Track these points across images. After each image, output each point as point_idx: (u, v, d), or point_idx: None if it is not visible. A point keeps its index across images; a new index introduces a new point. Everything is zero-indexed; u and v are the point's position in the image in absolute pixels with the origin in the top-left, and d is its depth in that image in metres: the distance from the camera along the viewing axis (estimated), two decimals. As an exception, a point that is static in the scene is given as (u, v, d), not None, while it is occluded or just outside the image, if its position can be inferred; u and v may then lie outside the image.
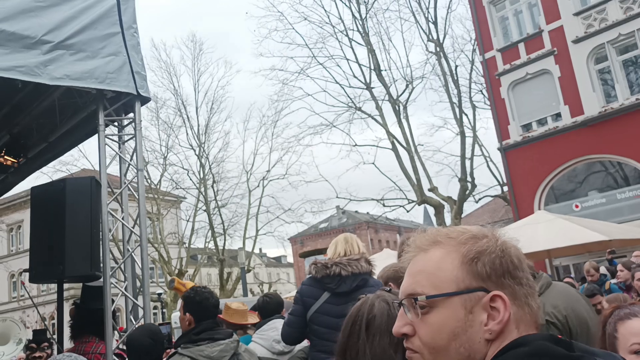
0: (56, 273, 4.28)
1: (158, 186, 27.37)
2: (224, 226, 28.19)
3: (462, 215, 21.07)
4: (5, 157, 6.22)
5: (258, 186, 28.71)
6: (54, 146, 6.15)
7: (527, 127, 18.18)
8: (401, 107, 21.56)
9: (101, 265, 4.52)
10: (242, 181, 29.18)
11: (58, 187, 4.44)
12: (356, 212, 51.90)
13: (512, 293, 1.07)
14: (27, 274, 4.41)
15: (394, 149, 21.32)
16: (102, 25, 4.75)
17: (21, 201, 36.30)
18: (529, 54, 17.97)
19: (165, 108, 28.27)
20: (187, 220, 28.87)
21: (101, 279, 4.52)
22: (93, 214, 4.39)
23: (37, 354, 5.12)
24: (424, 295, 1.09)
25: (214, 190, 28.22)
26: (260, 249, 51.78)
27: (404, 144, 21.17)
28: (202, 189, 27.95)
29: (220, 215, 28.09)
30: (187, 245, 28.49)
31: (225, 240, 28.17)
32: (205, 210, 27.78)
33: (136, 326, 4.74)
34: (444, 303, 1.07)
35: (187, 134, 28.28)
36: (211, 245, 28.45)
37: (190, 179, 28.21)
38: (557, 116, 17.42)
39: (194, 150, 28.01)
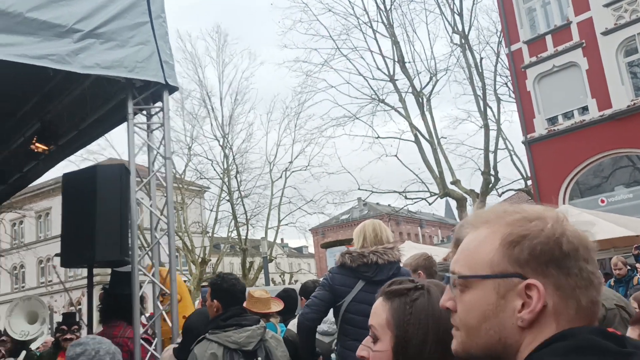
0: (86, 258, 4.38)
1: (183, 176, 27.63)
2: (246, 216, 28.39)
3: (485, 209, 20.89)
4: (37, 144, 6.36)
5: (280, 177, 28.84)
6: (84, 134, 6.25)
7: (552, 120, 17.93)
8: (425, 100, 21.41)
9: (129, 251, 4.60)
10: (265, 172, 29.33)
11: (89, 173, 4.53)
12: (377, 204, 51.76)
13: (554, 283, 1.01)
14: (58, 259, 4.51)
15: (417, 142, 21.20)
16: (132, 15, 4.80)
17: (49, 189, 36.97)
18: (556, 46, 17.69)
19: (190, 99, 28.47)
20: (211, 210, 29.15)
21: (129, 265, 4.61)
22: (122, 201, 4.47)
23: (67, 336, 5.27)
24: (457, 275, 1.10)
25: (237, 180, 28.43)
26: (282, 239, 52.02)
27: (427, 136, 21.04)
28: (226, 179, 28.16)
29: (243, 205, 28.30)
30: (210, 234, 28.76)
31: (247, 230, 28.37)
32: (228, 200, 28.01)
33: (162, 310, 4.83)
34: (477, 284, 1.06)
35: (211, 124, 28.50)
36: (234, 234, 28.70)
37: (214, 169, 28.46)
38: (584, 109, 17.14)
39: (218, 141, 28.21)
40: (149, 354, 4.54)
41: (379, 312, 1.45)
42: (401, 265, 3.76)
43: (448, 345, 1.14)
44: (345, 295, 3.66)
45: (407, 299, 1.41)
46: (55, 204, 39.39)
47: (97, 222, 4.28)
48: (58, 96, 6.18)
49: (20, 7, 4.09)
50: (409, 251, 4.73)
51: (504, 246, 1.05)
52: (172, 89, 5.11)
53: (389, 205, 36.61)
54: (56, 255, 4.46)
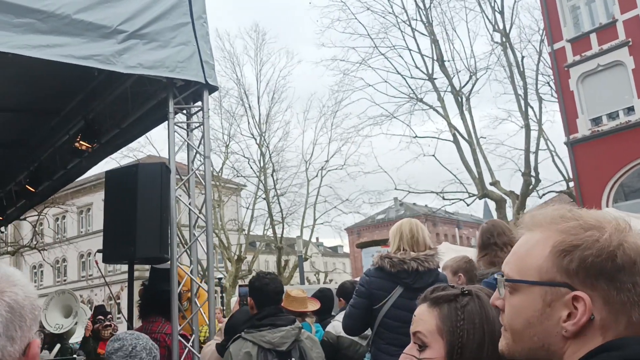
0: (127, 254, 4.46)
1: (220, 174, 27.95)
2: (282, 214, 28.57)
3: (525, 211, 20.49)
4: (81, 142, 6.52)
5: (316, 176, 28.91)
6: (125, 132, 6.38)
7: (596, 121, 17.46)
8: (464, 99, 21.14)
9: (168, 248, 4.67)
10: (301, 170, 29.45)
11: (131, 171, 4.62)
12: (414, 204, 51.34)
13: (603, 297, 0.98)
14: (100, 254, 4.61)
15: (456, 141, 20.94)
16: (173, 16, 4.88)
17: (91, 185, 37.92)
18: (601, 45, 17.22)
19: (228, 97, 28.79)
20: (247, 208, 29.44)
21: (168, 262, 4.68)
22: (163, 199, 4.54)
23: (106, 323, 5.59)
24: (505, 278, 1.10)
25: (273, 179, 28.60)
26: (317, 238, 52.15)
27: (465, 136, 20.77)
28: (262, 178, 28.37)
29: (279, 203, 28.48)
30: (246, 232, 29.03)
31: (283, 228, 28.55)
32: (264, 199, 28.22)
33: (200, 307, 4.90)
34: (525, 289, 1.06)
35: (248, 123, 28.74)
36: (270, 232, 28.90)
37: (251, 167, 28.72)
38: (630, 110, 16.63)
39: (255, 139, 28.46)
40: (187, 350, 4.60)
41: (426, 318, 1.43)
42: (440, 269, 3.72)
43: None
44: (382, 299, 3.63)
45: (457, 305, 1.40)
46: (96, 199, 40.39)
47: (137, 219, 4.36)
48: (101, 95, 6.32)
49: (68, 9, 4.20)
50: (446, 252, 4.68)
51: (555, 254, 1.03)
52: (212, 89, 5.17)
53: (425, 205, 36.29)
54: (98, 251, 4.56)
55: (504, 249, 3.67)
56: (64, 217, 40.38)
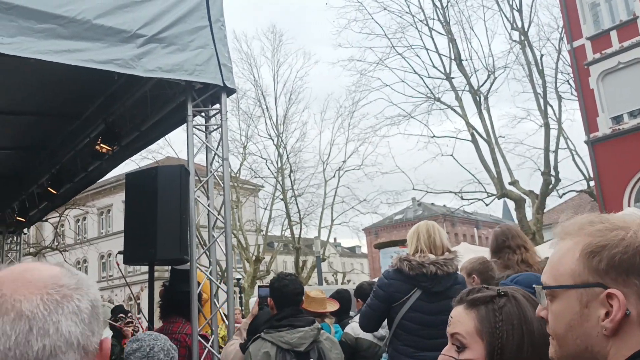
0: (148, 256, 4.52)
1: (238, 174, 28.10)
2: (300, 215, 28.63)
3: (545, 210, 20.30)
4: (101, 144, 6.61)
5: (334, 176, 28.94)
6: (145, 135, 6.46)
7: (617, 119, 17.24)
8: (482, 98, 20.98)
9: (188, 250, 4.71)
10: (318, 171, 29.53)
11: (150, 174, 4.68)
12: (432, 204, 51.11)
13: (637, 292, 1.02)
14: (121, 256, 4.68)
15: (474, 141, 20.79)
16: (192, 19, 4.93)
17: (110, 186, 38.33)
18: (621, 42, 17.00)
19: (246, 98, 28.93)
20: (265, 209, 29.55)
21: (188, 263, 4.73)
22: (182, 201, 4.59)
23: (128, 320, 5.71)
24: (542, 286, 1.14)
25: (290, 179, 28.69)
26: (335, 239, 52.14)
27: (484, 135, 20.61)
28: (280, 178, 28.47)
29: (297, 204, 28.55)
30: (264, 232, 29.15)
31: (301, 228, 28.63)
32: (282, 199, 28.31)
33: (220, 308, 4.94)
34: (562, 294, 1.10)
35: (266, 124, 28.90)
36: (287, 233, 28.99)
37: (269, 168, 28.83)
38: (652, 108, 16.40)
39: (273, 140, 28.57)
40: (206, 350, 4.65)
41: (464, 320, 1.45)
42: (459, 272, 3.72)
43: (542, 349, 1.19)
44: (399, 300, 3.64)
45: (494, 306, 1.43)
46: (115, 201, 40.80)
47: (158, 221, 4.41)
48: (121, 99, 6.40)
49: (89, 15, 4.27)
50: (464, 253, 4.67)
51: (584, 257, 1.07)
52: (230, 91, 5.21)
53: (444, 205, 36.13)
54: (119, 252, 4.62)
55: (516, 252, 3.68)
56: (84, 219, 40.94)
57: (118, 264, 4.74)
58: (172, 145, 25.41)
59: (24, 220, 9.65)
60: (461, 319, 1.46)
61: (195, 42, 4.88)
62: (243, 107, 28.67)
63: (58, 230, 25.43)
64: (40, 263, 0.99)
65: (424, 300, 3.57)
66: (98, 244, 40.13)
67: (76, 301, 0.93)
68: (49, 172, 8.33)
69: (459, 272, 3.71)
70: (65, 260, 28.61)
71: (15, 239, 10.55)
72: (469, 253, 5.97)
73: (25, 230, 10.65)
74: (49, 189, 8.31)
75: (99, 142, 6.67)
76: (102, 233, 43.57)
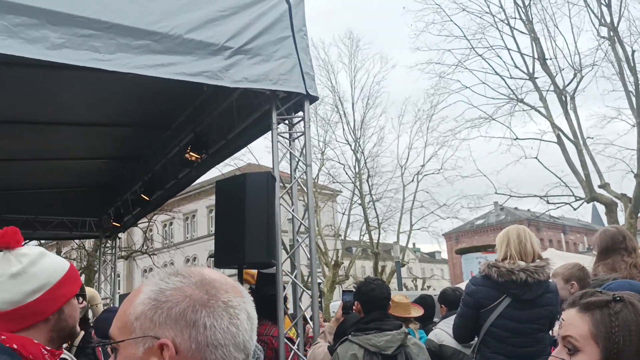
0: (237, 259, 4.69)
1: (316, 180, 28.43)
2: (378, 220, 28.54)
3: (639, 215, 19.15)
4: (191, 153, 6.93)
5: (412, 181, 28.64)
6: (231, 143, 6.70)
7: None
8: (568, 98, 20.11)
9: (275, 254, 4.85)
10: (396, 175, 29.30)
11: (239, 181, 4.86)
12: (516, 208, 49.43)
13: None
14: (212, 259, 4.88)
15: (560, 143, 19.96)
16: (275, 30, 5.08)
17: (195, 192, 39.80)
18: None
19: (323, 105, 29.21)
20: (343, 214, 29.68)
21: (274, 267, 4.86)
22: (269, 206, 4.74)
23: None
24: None
25: (368, 184, 28.68)
26: (414, 244, 51.49)
27: (570, 136, 19.73)
28: (358, 183, 28.52)
29: (375, 209, 28.48)
30: (342, 237, 29.28)
31: (379, 233, 28.50)
32: (360, 204, 28.33)
33: (304, 311, 5.04)
34: None
35: (343, 129, 29.12)
36: (366, 238, 28.96)
37: (346, 173, 28.95)
38: None
39: (350, 145, 28.68)
40: (292, 352, 4.75)
41: (578, 324, 1.44)
42: (550, 279, 3.61)
43: None
44: (487, 306, 3.59)
45: (609, 311, 1.41)
46: (200, 206, 42.32)
47: (246, 226, 4.57)
48: (208, 109, 6.69)
49: (180, 30, 4.50)
50: (552, 259, 4.52)
51: None
52: (313, 99, 5.32)
53: (528, 210, 34.87)
54: (210, 256, 4.83)
55: (632, 254, 3.49)
56: (171, 224, 42.64)
57: (209, 267, 4.91)
58: (253, 152, 26.07)
59: (119, 225, 10.24)
60: (574, 322, 1.44)
61: (279, 52, 5.03)
62: (321, 113, 28.98)
63: (147, 234, 26.68)
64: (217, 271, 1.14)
65: (514, 308, 3.49)
66: (184, 247, 41.70)
67: None
68: (142, 180, 8.81)
69: (550, 280, 3.60)
70: (153, 264, 29.97)
71: (111, 243, 11.20)
72: (556, 259, 5.75)
73: (120, 235, 11.29)
74: (142, 195, 8.78)
75: (188, 150, 6.99)
76: (187, 237, 45.26)
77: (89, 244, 22.51)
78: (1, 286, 1.72)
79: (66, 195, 9.83)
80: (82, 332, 5.13)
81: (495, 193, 22.30)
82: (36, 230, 10.48)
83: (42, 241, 19.91)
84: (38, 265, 1.78)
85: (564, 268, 3.84)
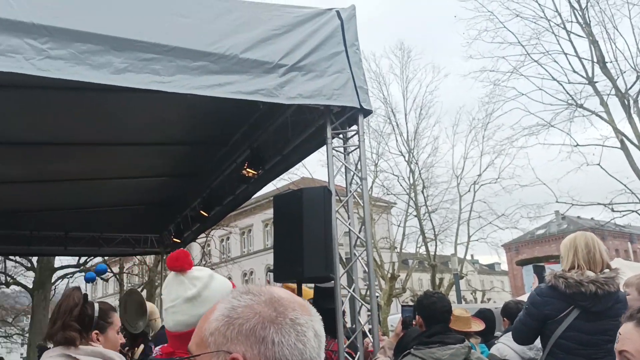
0: (296, 273, 4.73)
1: (370, 192, 28.33)
2: (434, 231, 28.12)
3: None
4: (247, 169, 7.07)
5: (469, 191, 28.13)
6: (287, 158, 6.80)
7: None
8: (631, 101, 19.33)
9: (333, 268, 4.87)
10: (452, 186, 28.85)
11: (296, 196, 4.92)
12: (578, 217, 47.71)
13: None
14: (271, 274, 4.95)
15: (624, 148, 19.19)
16: (328, 46, 5.14)
17: (251, 207, 40.39)
18: None
19: (375, 116, 29.14)
20: (398, 225, 29.40)
21: (332, 281, 4.88)
22: (326, 220, 4.77)
23: None
24: None
25: (423, 195, 28.34)
26: (472, 256, 50.50)
27: (635, 141, 18.96)
28: (412, 195, 28.24)
29: (431, 220, 28.10)
30: (398, 250, 29.01)
31: (436, 245, 28.08)
32: (415, 216, 28.02)
33: (363, 325, 5.02)
34: None
35: (396, 140, 28.87)
36: (422, 250, 28.60)
37: (400, 185, 28.71)
38: None
39: (404, 157, 28.48)
40: (352, 367, 4.75)
41: (635, 338, 1.41)
42: (621, 289, 3.47)
43: None
44: (553, 318, 3.48)
45: None
46: (256, 220, 42.88)
47: (304, 240, 4.62)
48: (263, 125, 6.81)
49: (236, 50, 4.62)
50: (619, 269, 4.35)
51: None
52: (367, 112, 5.34)
53: (591, 218, 33.56)
54: (269, 271, 4.90)
55: None
56: (228, 238, 43.39)
57: (268, 282, 4.99)
58: (306, 166, 26.25)
59: (179, 241, 10.50)
60: (631, 337, 1.41)
61: (332, 68, 5.09)
62: (373, 125, 28.91)
63: (205, 249, 27.21)
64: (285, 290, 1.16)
65: (583, 320, 3.37)
66: (241, 262, 42.29)
67: None
68: (200, 197, 9.03)
69: (620, 290, 3.46)
70: (212, 278, 30.33)
71: (172, 258, 11.49)
72: (624, 269, 5.52)
73: (180, 250, 11.56)
74: (201, 212, 8.99)
75: (245, 166, 7.12)
76: (244, 252, 45.90)
77: (149, 259, 23.16)
78: (177, 309, 1.82)
79: (129, 212, 10.18)
80: (142, 346, 5.28)
81: (557, 202, 21.61)
82: (101, 247, 10.89)
83: (106, 257, 20.65)
84: (210, 288, 1.88)
85: (637, 278, 3.67)
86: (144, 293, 24.55)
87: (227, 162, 7.95)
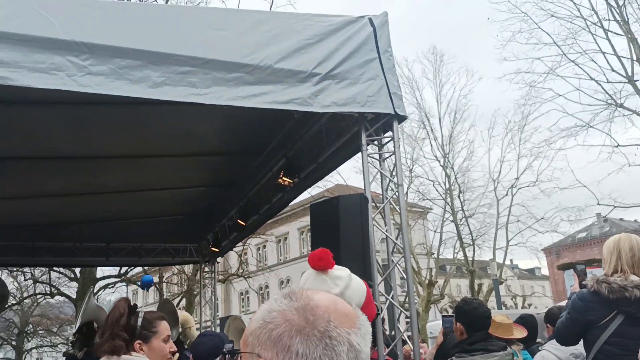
0: (335, 282, 4.74)
1: (405, 198, 28.14)
2: (472, 236, 27.79)
3: None
4: (283, 178, 7.12)
5: (506, 194, 27.72)
6: (322, 166, 6.82)
7: None
8: (674, 99, 18.80)
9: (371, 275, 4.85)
10: (488, 190, 28.48)
11: (332, 203, 4.93)
12: (621, 219, 46.38)
13: None
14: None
15: (668, 147, 18.66)
16: (361, 53, 5.15)
17: (286, 215, 40.58)
18: None
19: (409, 121, 28.99)
20: (435, 231, 29.20)
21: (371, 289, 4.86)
22: (363, 228, 4.76)
23: None
24: None
25: (460, 200, 28.04)
26: (511, 260, 49.54)
27: (680, 140, 18.40)
28: (448, 199, 27.98)
29: (468, 225, 27.77)
30: (435, 255, 28.73)
31: (474, 250, 27.74)
32: (452, 221, 27.74)
33: (402, 332, 4.98)
34: None
35: (431, 145, 28.70)
36: (460, 255, 28.26)
37: (436, 190, 28.49)
38: None
39: (439, 161, 28.28)
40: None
41: None
42: None
43: None
44: (595, 324, 3.39)
45: None
46: (291, 228, 43.04)
47: (341, 248, 4.61)
48: (298, 134, 6.85)
49: (270, 60, 4.68)
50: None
51: None
52: (401, 118, 5.33)
53: (635, 220, 32.68)
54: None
55: None
56: (264, 246, 43.66)
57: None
58: (341, 173, 26.31)
59: (217, 250, 10.62)
60: None
61: (366, 75, 5.09)
62: (407, 130, 28.79)
63: (242, 258, 27.43)
64: (335, 296, 1.11)
65: (629, 325, 3.28)
66: (277, 270, 42.47)
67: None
68: (237, 206, 9.12)
69: None
70: (249, 287, 30.71)
71: (209, 267, 11.64)
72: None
73: (218, 259, 11.71)
74: (238, 221, 9.09)
75: (281, 175, 7.18)
76: (280, 260, 46.09)
77: (187, 268, 23.48)
78: None
79: (168, 223, 10.35)
80: (177, 355, 5.35)
81: (598, 204, 21.12)
82: (141, 257, 11.09)
83: (146, 267, 21.02)
84: (351, 287, 1.92)
85: None
86: (183, 302, 24.90)
87: (263, 171, 8.02)
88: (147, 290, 13.90)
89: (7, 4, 4.22)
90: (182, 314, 6.39)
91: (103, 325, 2.52)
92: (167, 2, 18.97)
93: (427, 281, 26.60)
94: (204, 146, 7.52)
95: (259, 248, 43.06)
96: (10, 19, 4.00)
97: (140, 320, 2.50)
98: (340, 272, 1.90)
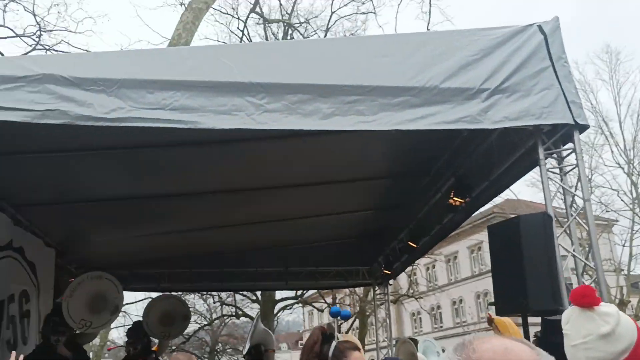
0: (520, 306, 4.48)
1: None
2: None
3: None
4: (454, 198, 6.94)
5: None
6: (495, 183, 6.53)
7: None
8: None
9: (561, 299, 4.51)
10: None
11: (513, 223, 4.69)
12: None
13: None
14: (493, 307, 4.75)
15: None
16: (532, 63, 4.88)
17: (455, 234, 39.49)
18: None
19: (584, 127, 26.88)
20: (623, 245, 26.49)
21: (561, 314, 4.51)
22: (548, 248, 4.46)
23: None
24: None
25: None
26: None
27: None
28: (637, 210, 25.26)
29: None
30: (625, 272, 26.02)
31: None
32: (644, 234, 24.97)
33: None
34: None
35: (611, 151, 26.28)
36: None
37: (621, 200, 25.93)
38: None
39: (622, 169, 25.73)
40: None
41: None
42: None
43: None
44: None
45: None
46: (461, 247, 41.80)
47: (525, 270, 4.35)
48: (465, 151, 6.65)
49: (435, 81, 4.62)
50: None
51: None
52: (583, 128, 4.94)
53: None
54: (490, 304, 4.72)
55: None
56: (433, 266, 42.96)
57: (489, 315, 4.81)
58: (510, 187, 25.08)
59: (389, 272, 10.65)
60: None
61: (539, 85, 4.81)
62: (582, 138, 26.64)
63: (412, 278, 27.21)
64: (516, 342, 1.05)
65: None
66: (448, 290, 41.41)
67: None
68: (407, 228, 9.07)
69: None
70: (420, 307, 30.29)
71: (382, 290, 11.70)
72: None
73: (390, 281, 11.75)
74: (409, 243, 9.03)
75: (451, 195, 7.01)
76: (451, 279, 44.95)
77: (359, 289, 23.84)
78: (590, 345, 1.87)
79: (341, 246, 10.62)
80: None
81: None
82: (318, 281, 11.49)
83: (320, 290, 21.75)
84: (621, 324, 1.92)
85: None
86: (356, 323, 25.26)
87: (431, 191, 7.90)
88: (337, 318, 14.50)
89: (191, 56, 4.70)
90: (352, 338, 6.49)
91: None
92: (325, 35, 19.75)
93: (617, 300, 24.12)
94: (371, 170, 7.63)
95: (428, 268, 42.47)
96: (195, 69, 4.44)
97: (332, 349, 2.57)
98: (608, 308, 1.77)
